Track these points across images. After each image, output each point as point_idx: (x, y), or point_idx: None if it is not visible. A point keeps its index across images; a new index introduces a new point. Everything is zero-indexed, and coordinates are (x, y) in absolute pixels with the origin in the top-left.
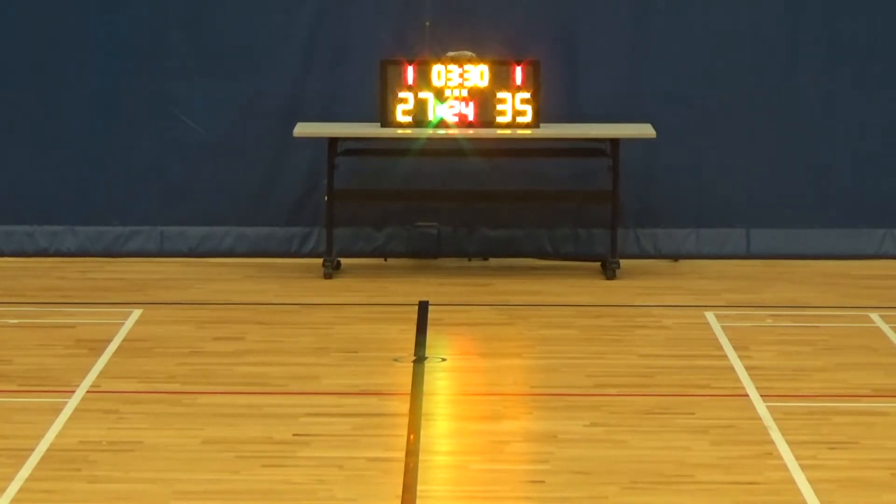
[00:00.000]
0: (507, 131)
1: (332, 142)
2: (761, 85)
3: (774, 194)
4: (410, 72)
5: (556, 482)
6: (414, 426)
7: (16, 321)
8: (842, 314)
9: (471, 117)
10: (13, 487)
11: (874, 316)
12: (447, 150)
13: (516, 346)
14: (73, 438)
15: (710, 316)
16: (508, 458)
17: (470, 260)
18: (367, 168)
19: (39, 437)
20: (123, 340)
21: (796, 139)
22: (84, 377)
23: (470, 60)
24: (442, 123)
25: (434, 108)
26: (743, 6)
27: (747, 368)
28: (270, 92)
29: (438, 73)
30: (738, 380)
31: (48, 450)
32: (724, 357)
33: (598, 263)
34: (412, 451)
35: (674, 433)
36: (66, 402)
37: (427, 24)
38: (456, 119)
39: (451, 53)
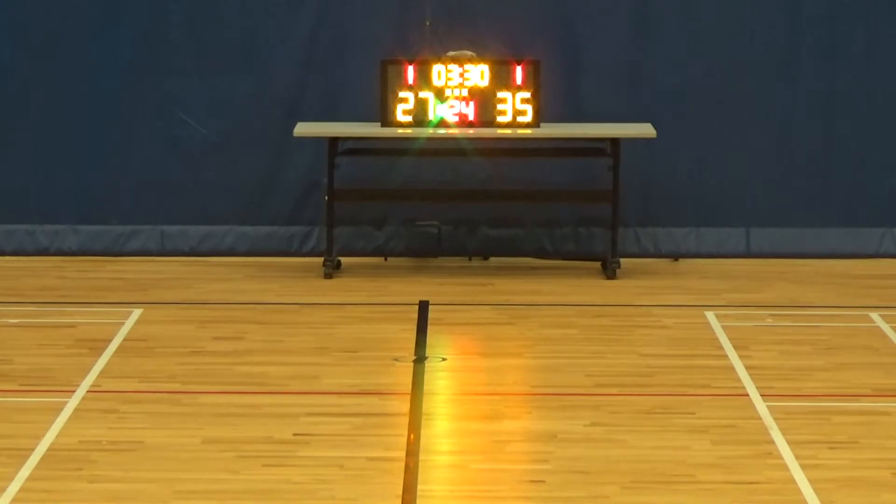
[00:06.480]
0: (508, 131)
1: (333, 141)
2: (761, 84)
3: (774, 194)
4: (411, 71)
5: (556, 482)
6: (414, 426)
7: (16, 321)
8: (842, 314)
9: (471, 117)
10: (13, 487)
11: (874, 316)
12: (447, 150)
13: (516, 346)
14: (74, 438)
15: (710, 315)
16: (508, 457)
17: (470, 259)
18: (367, 168)
19: (39, 436)
20: (124, 340)
21: (796, 139)
22: (84, 377)
23: (470, 60)
24: (442, 123)
25: (434, 107)
26: (743, 6)
27: (747, 368)
28: (270, 91)
29: (439, 72)
30: (738, 379)
31: (48, 450)
32: (725, 357)
33: (599, 263)
34: (412, 451)
35: (674, 433)
36: (66, 402)
37: (427, 23)
38: (456, 119)
39: (451, 53)
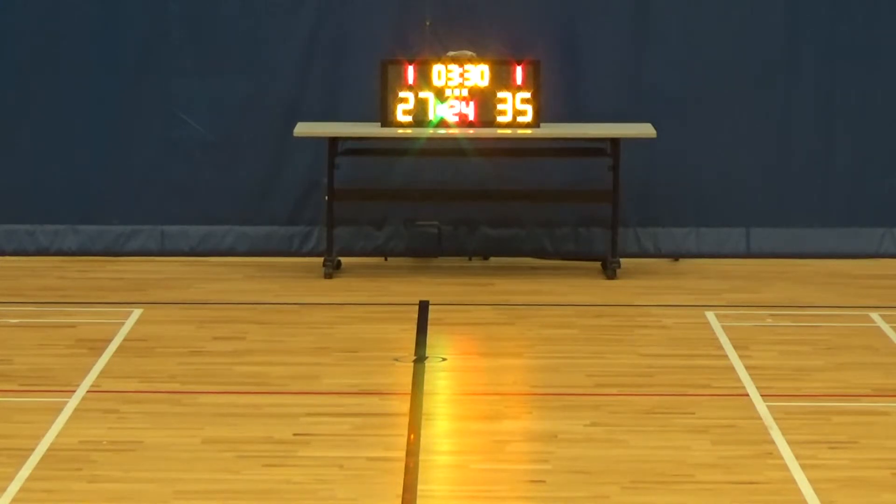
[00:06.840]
0: (508, 131)
1: (333, 141)
2: (761, 84)
3: (774, 194)
4: (411, 71)
5: (557, 482)
6: (414, 426)
7: (16, 321)
8: (842, 314)
9: (471, 117)
10: (13, 487)
11: (874, 316)
12: (447, 150)
13: (516, 346)
14: (74, 438)
15: (710, 315)
16: (508, 457)
17: (470, 259)
18: (367, 168)
19: (39, 437)
20: (124, 340)
21: (796, 139)
22: (84, 377)
23: (470, 60)
24: (442, 123)
25: (434, 107)
26: (743, 6)
27: (747, 368)
28: (270, 91)
29: (439, 72)
30: (738, 379)
31: (48, 450)
32: (725, 357)
33: (599, 263)
34: (412, 451)
35: (674, 433)
36: (66, 402)
37: (427, 23)
38: (456, 119)
39: (451, 53)
